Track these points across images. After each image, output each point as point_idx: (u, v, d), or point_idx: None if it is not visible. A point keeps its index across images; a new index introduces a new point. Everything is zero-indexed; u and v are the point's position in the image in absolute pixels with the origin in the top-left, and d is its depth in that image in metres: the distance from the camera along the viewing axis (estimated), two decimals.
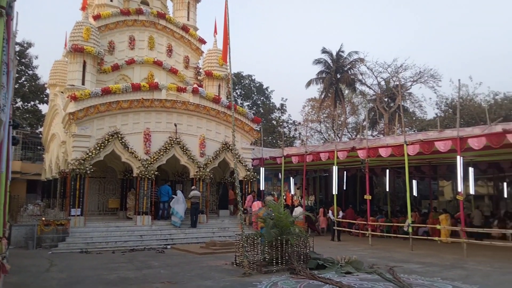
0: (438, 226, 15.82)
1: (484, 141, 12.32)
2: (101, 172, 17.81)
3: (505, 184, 26.74)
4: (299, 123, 41.80)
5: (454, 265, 11.03)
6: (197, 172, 17.04)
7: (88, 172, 14.87)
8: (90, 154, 14.98)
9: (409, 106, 37.01)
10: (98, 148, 15.17)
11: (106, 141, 15.35)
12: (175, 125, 16.85)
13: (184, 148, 16.90)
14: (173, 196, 16.62)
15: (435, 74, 34.08)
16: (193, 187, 16.85)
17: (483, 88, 66.30)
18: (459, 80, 15.31)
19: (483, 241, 14.44)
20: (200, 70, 21.65)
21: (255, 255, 10.41)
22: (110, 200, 18.29)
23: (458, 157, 13.00)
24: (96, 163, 15.46)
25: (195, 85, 19.06)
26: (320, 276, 8.96)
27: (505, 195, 28.25)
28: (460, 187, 13.51)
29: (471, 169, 17.97)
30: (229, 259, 11.08)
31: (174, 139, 16.71)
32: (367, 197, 16.02)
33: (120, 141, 15.61)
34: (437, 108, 34.37)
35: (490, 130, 13.79)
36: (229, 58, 11.21)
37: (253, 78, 41.57)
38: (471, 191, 19.74)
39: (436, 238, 15.34)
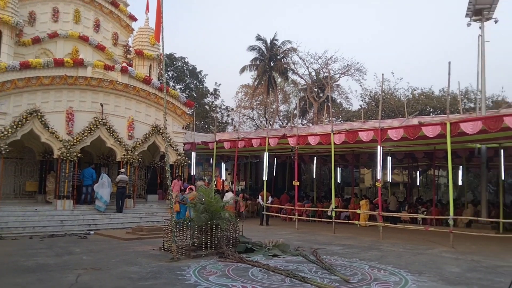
0: (358, 211, 16.89)
1: (402, 133, 13.30)
2: (18, 152, 16.41)
3: (418, 172, 29.21)
4: (232, 109, 41.93)
5: (371, 247, 11.87)
6: (124, 155, 16.39)
7: (3, 152, 13.66)
8: (5, 133, 13.74)
9: (337, 97, 38.72)
10: (14, 126, 13.96)
11: (24, 120, 14.17)
12: (101, 105, 16.00)
13: (111, 129, 16.14)
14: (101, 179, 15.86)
15: (361, 68, 35.98)
16: (121, 171, 16.20)
17: (403, 84, 71.29)
18: (382, 74, 16.38)
19: (397, 225, 15.71)
20: (130, 49, 20.66)
21: (184, 240, 10.33)
22: (28, 182, 16.96)
23: (379, 146, 13.91)
24: (12, 143, 14.21)
25: (124, 64, 18.17)
26: (248, 259, 9.15)
27: (418, 183, 30.93)
28: (379, 175, 14.51)
29: (389, 158, 19.36)
30: (157, 244, 10.89)
31: (100, 120, 15.88)
32: (295, 183, 16.57)
33: (40, 120, 14.49)
34: (362, 100, 36.34)
35: (407, 122, 14.95)
36: (162, 37, 10.82)
37: (186, 60, 40.67)
38: (389, 178, 21.30)
39: (356, 222, 16.38)
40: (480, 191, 17.94)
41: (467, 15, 16.13)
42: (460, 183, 24.10)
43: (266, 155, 17.85)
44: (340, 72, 36.78)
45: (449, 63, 12.17)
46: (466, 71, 28.94)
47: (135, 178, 17.47)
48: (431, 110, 31.00)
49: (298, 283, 7.18)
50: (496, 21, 16.11)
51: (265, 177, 17.95)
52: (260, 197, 18.22)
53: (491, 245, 12.52)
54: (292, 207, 17.50)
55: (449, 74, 12.25)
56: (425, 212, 18.06)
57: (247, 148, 19.48)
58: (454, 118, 12.61)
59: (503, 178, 18.42)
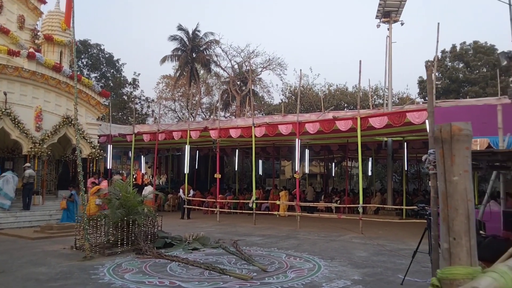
0: (277, 202, 17.42)
1: (318, 126, 13.95)
2: None
3: (333, 164, 30.94)
4: (153, 100, 40.65)
5: (289, 236, 12.34)
6: (31, 148, 15.10)
7: None
8: None
9: (259, 91, 39.38)
10: None
11: None
12: (5, 94, 14.56)
13: (16, 120, 14.76)
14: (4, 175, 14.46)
15: (282, 63, 36.93)
16: (26, 165, 14.90)
17: (321, 79, 74.79)
18: (300, 70, 16.97)
19: (313, 214, 16.52)
20: (39, 34, 18.97)
21: (98, 238, 9.83)
22: None
23: (297, 139, 14.45)
24: None
25: (32, 50, 16.67)
26: (167, 254, 8.99)
27: (333, 174, 32.75)
28: (297, 167, 15.10)
29: (307, 151, 20.26)
30: (68, 243, 10.23)
31: (3, 110, 14.44)
32: (217, 175, 16.59)
33: None
34: (283, 95, 37.39)
35: (324, 117, 15.68)
36: (73, 22, 10.09)
37: (102, 48, 38.46)
38: (306, 170, 22.26)
39: (276, 213, 16.88)
40: (387, 181, 19.53)
41: (377, 17, 17.30)
42: (370, 173, 26.01)
43: (187, 148, 17.62)
44: (262, 66, 37.44)
45: (360, 61, 13.01)
46: (377, 69, 31.11)
47: (44, 173, 16.21)
48: (345, 105, 32.92)
49: (217, 275, 7.23)
50: (402, 24, 17.51)
51: (186, 170, 17.72)
52: (181, 190, 17.96)
53: (395, 230, 13.69)
54: (214, 200, 17.51)
55: (359, 72, 13.08)
56: (338, 201, 19.21)
57: (168, 140, 19.06)
58: (364, 114, 13.50)
59: (406, 168, 20.22)
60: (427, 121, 11.73)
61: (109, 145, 20.11)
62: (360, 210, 13.11)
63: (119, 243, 9.61)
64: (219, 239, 10.99)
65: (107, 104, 19.91)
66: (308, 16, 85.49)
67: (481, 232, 5.80)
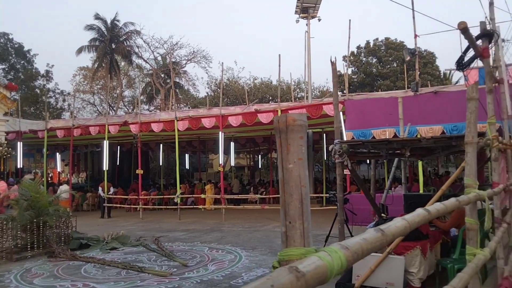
0: (202, 196, 17.35)
1: (241, 119, 14.09)
2: None
3: (259, 156, 31.52)
4: (69, 94, 38.13)
5: (214, 229, 12.38)
6: None
7: None
8: None
9: (184, 84, 38.74)
10: None
11: None
12: None
13: None
14: None
15: (207, 56, 36.63)
16: None
17: (246, 73, 75.57)
18: (222, 63, 17.02)
19: (239, 206, 16.72)
20: None
21: (4, 242, 9.05)
22: None
23: (220, 133, 14.48)
24: None
25: None
26: (82, 255, 8.56)
27: (260, 166, 33.38)
28: (221, 160, 15.13)
29: (232, 144, 20.39)
30: None
31: None
32: (139, 171, 16.08)
33: None
34: (208, 88, 37.18)
35: (248, 109, 15.86)
36: None
37: (10, 37, 35.18)
38: (232, 163, 22.42)
39: (200, 207, 16.80)
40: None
41: (296, 12, 17.84)
42: None
43: (106, 143, 16.81)
44: (187, 58, 36.81)
45: (279, 55, 13.38)
46: (300, 63, 32.18)
47: None
48: (270, 98, 33.63)
49: (135, 273, 7.04)
50: (319, 19, 18.25)
51: (105, 167, 16.91)
52: (100, 188, 17.13)
53: (315, 217, 14.32)
54: (136, 197, 16.96)
55: (279, 66, 13.43)
56: (264, 192, 19.64)
57: (85, 136, 18.01)
58: (284, 106, 13.90)
59: (325, 158, 21.23)
60: (341, 113, 12.43)
61: (19, 142, 18.51)
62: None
63: (29, 246, 8.94)
64: (140, 236, 10.69)
65: (16, 98, 18.25)
66: (233, 9, 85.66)
67: (383, 215, 6.29)
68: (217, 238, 10.66)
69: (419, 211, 1.73)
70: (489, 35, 4.34)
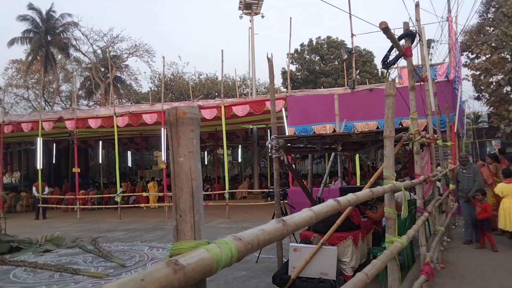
0: (144, 194, 16.94)
1: None
2: None
3: (205, 152, 31.23)
4: (0, 88, 35.49)
5: (156, 227, 12.12)
6: None
7: None
8: None
9: (126, 78, 37.48)
10: None
11: None
12: None
13: None
14: None
15: (150, 50, 35.69)
16: None
17: (191, 68, 74.60)
18: (163, 57, 16.69)
19: None
20: None
21: None
22: None
23: (163, 129, 14.19)
24: None
25: None
26: (12, 259, 8.02)
27: (206, 162, 33.10)
28: (163, 157, 14.81)
29: None
30: None
31: None
32: (76, 170, 15.34)
33: None
34: (151, 83, 36.24)
35: (191, 105, 15.61)
36: None
37: None
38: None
39: (142, 205, 16.40)
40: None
41: (239, 8, 17.86)
42: (240, 160, 27.00)
43: (40, 140, 15.87)
44: (128, 52, 35.64)
45: (222, 51, 13.33)
46: (246, 59, 32.24)
47: None
48: (216, 94, 33.45)
49: (69, 276, 6.73)
50: (263, 16, 18.41)
51: (39, 166, 15.98)
52: (34, 188, 16.16)
53: (260, 212, 14.49)
54: (73, 196, 16.18)
55: (222, 61, 13.38)
56: (209, 189, 19.52)
57: (18, 133, 16.90)
58: (228, 102, 13.89)
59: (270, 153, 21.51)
60: (283, 109, 12.66)
61: None
62: (227, 196, 13.54)
63: None
64: (76, 238, 10.23)
65: None
66: (178, 3, 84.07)
67: None
68: (159, 236, 10.46)
69: (329, 202, 1.80)
70: (411, 35, 4.61)
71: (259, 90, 33.22)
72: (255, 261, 7.19)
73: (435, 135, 6.76)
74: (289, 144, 5.63)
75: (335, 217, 5.43)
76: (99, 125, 14.79)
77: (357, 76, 31.46)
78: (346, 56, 11.97)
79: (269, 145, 5.34)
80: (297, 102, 12.61)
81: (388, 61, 4.66)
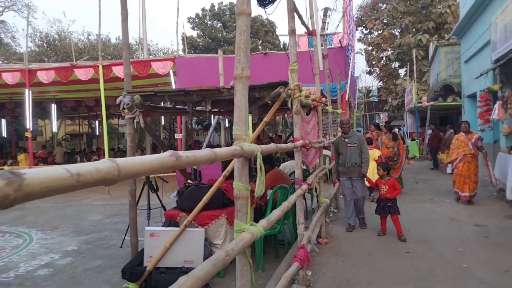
0: (5, 168, 14.47)
1: (53, 75, 11.78)
2: None
3: (97, 122, 28.43)
4: None
5: (15, 207, 10.03)
6: None
7: None
8: None
9: (3, 37, 32.20)
10: None
11: None
12: None
13: None
14: None
15: (31, 4, 30.95)
16: None
17: (79, 27, 67.65)
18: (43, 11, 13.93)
19: None
20: None
21: None
22: None
23: (27, 90, 11.93)
24: None
25: None
26: None
27: (97, 133, 30.26)
28: (28, 124, 12.48)
29: (54, 106, 17.49)
30: None
31: None
32: None
33: None
34: (32, 42, 31.67)
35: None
36: None
37: None
38: (55, 128, 19.44)
39: None
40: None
41: None
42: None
43: None
44: (4, 6, 30.47)
45: (99, 1, 11.34)
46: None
47: None
48: (109, 57, 30.40)
49: None
50: None
51: None
52: None
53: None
54: None
55: (99, 14, 11.42)
56: (96, 161, 17.52)
57: None
58: (106, 62, 12.08)
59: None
60: (171, 72, 11.35)
61: None
62: None
63: None
64: None
65: None
66: None
67: (189, 181, 5.52)
68: (14, 218, 8.68)
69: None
70: None
71: (157, 55, 30.98)
72: (119, 246, 6.06)
73: (324, 99, 6.15)
74: (148, 103, 4.48)
75: (206, 191, 4.52)
76: None
77: (260, 47, 30.90)
78: None
79: (120, 103, 4.14)
80: (187, 64, 11.39)
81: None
